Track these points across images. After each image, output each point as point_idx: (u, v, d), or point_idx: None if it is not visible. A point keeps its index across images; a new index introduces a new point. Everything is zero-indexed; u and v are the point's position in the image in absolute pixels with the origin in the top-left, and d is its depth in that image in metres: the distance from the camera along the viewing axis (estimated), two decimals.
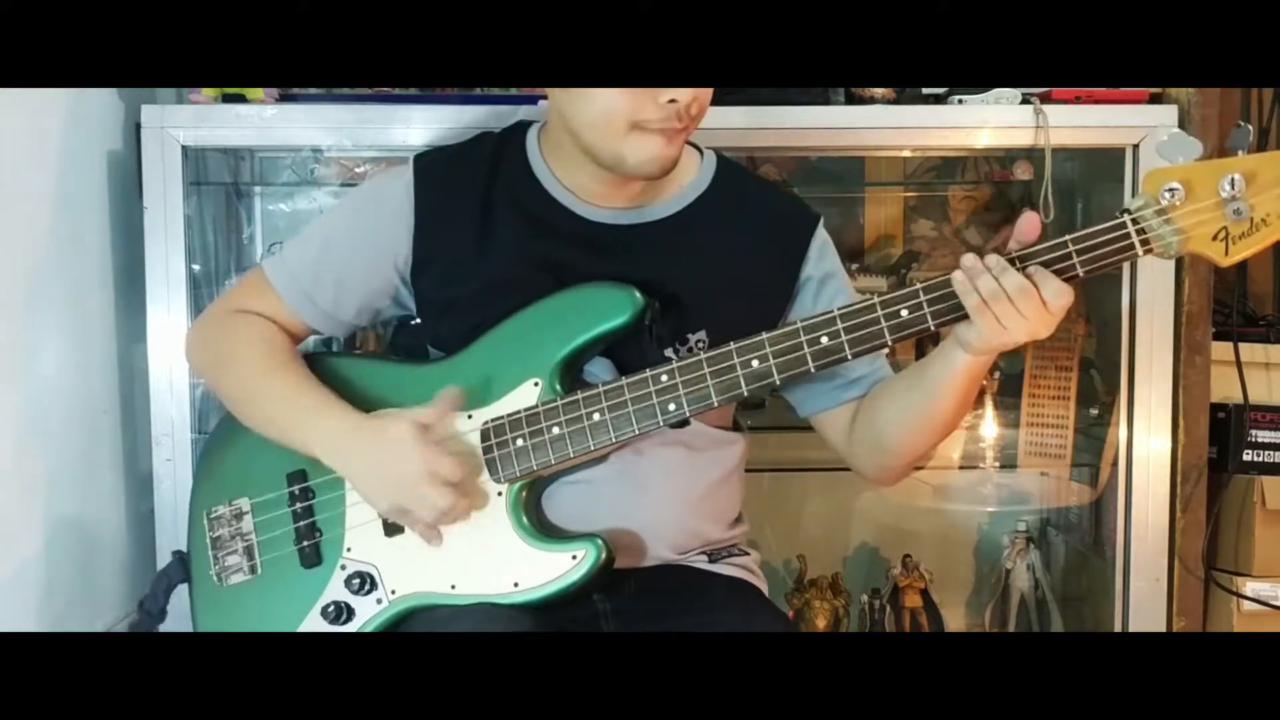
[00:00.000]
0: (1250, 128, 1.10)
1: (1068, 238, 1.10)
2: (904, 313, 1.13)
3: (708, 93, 1.21)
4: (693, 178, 1.32)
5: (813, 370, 1.16)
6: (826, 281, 1.33)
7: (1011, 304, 1.08)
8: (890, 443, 1.26)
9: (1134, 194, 1.66)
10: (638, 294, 1.22)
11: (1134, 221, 1.09)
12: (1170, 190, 1.08)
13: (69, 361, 1.52)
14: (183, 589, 1.34)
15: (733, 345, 1.17)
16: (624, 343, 1.24)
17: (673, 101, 1.16)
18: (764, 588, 1.36)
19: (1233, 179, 1.07)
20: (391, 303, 1.34)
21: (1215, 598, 1.77)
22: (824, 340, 1.15)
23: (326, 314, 1.32)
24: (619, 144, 1.19)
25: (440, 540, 1.21)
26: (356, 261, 1.30)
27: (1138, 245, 1.09)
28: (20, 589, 1.39)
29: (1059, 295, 1.08)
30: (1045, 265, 1.09)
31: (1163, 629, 1.72)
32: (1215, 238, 1.09)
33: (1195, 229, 1.09)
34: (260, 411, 1.27)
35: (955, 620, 2.07)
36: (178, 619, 1.36)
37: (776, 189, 1.42)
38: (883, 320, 1.13)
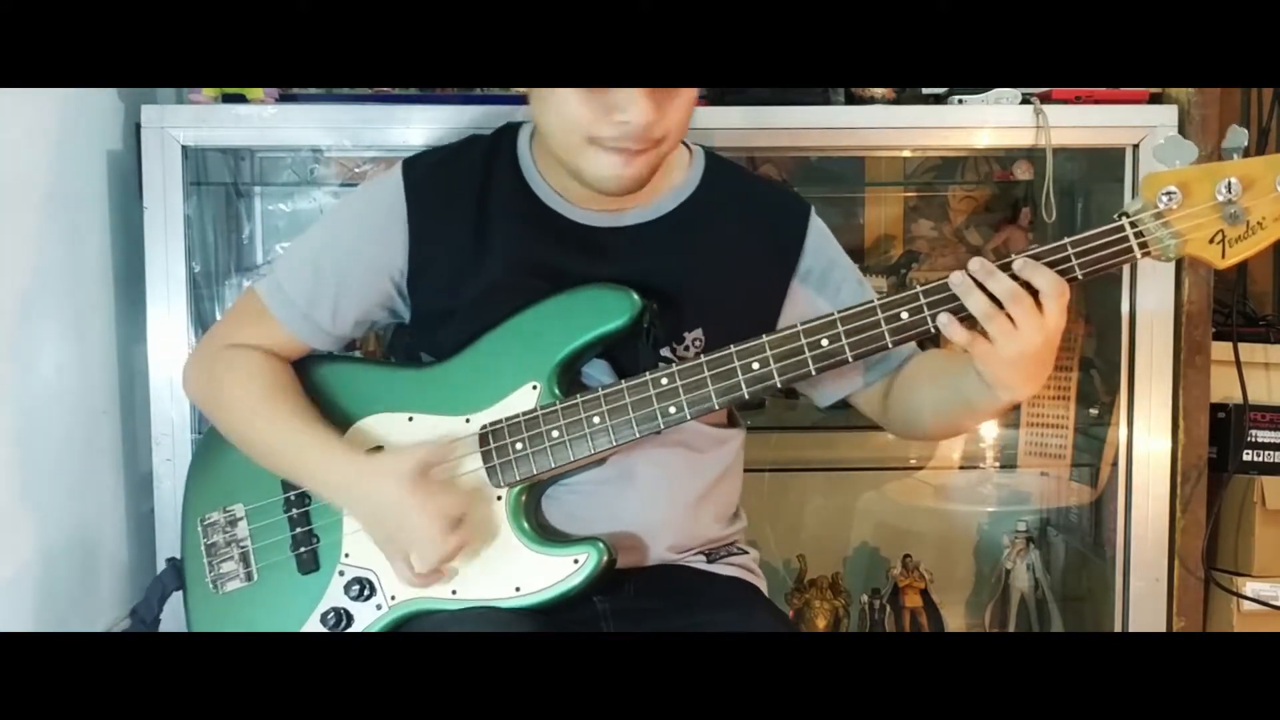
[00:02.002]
0: (1245, 131, 1.12)
1: (1066, 240, 1.11)
2: (904, 315, 1.13)
3: (677, 115, 1.18)
4: (683, 176, 1.31)
5: (813, 373, 1.16)
6: (830, 271, 1.32)
7: (1007, 311, 1.08)
8: (926, 429, 1.31)
9: (1134, 194, 1.67)
10: (635, 295, 1.21)
11: (1132, 225, 1.11)
12: (1167, 194, 1.09)
13: (69, 362, 1.52)
14: (177, 596, 1.33)
15: (733, 348, 1.17)
16: (621, 344, 1.23)
17: (625, 122, 1.14)
18: (763, 586, 1.36)
19: (1229, 183, 1.09)
20: (387, 313, 1.32)
21: (1215, 598, 1.77)
22: (824, 343, 1.15)
23: (325, 332, 1.29)
24: (577, 157, 1.18)
25: (443, 576, 1.19)
26: (352, 276, 1.28)
27: (1135, 248, 1.10)
28: (20, 589, 1.39)
29: (1054, 286, 1.08)
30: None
31: (1163, 629, 1.72)
32: (1212, 241, 1.10)
33: (1192, 232, 1.10)
34: (260, 454, 1.25)
35: (955, 620, 2.07)
36: (171, 627, 1.36)
37: (767, 183, 1.42)
38: (883, 323, 1.14)
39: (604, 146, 1.16)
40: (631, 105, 1.13)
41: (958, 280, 1.10)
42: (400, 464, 1.16)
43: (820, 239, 1.34)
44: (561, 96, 1.15)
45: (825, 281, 1.32)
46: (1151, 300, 1.70)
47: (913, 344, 1.31)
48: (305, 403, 1.26)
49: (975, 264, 1.10)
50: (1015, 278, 1.09)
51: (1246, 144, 1.11)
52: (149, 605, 1.33)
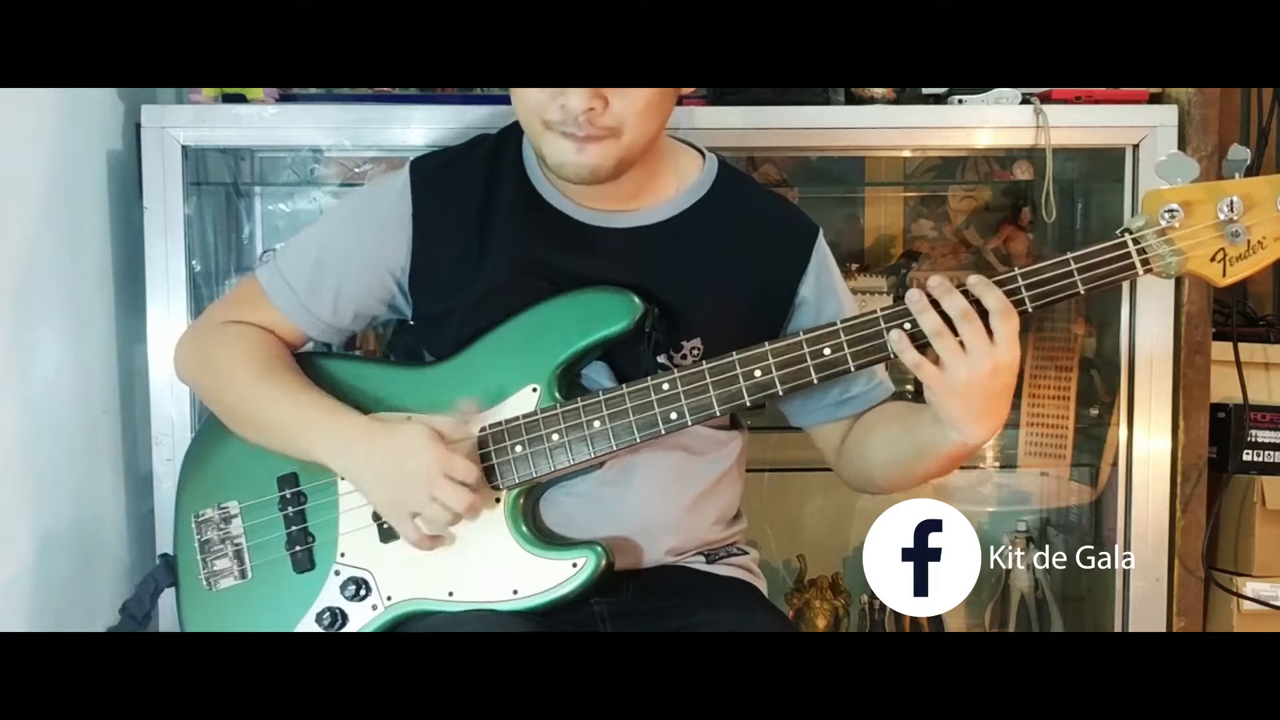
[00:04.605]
0: (1248, 150, 1.13)
1: (1069, 256, 1.12)
2: (906, 326, 1.13)
3: (630, 106, 1.16)
4: (692, 182, 1.31)
5: (815, 382, 1.16)
6: (823, 303, 1.31)
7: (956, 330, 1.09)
8: (876, 479, 1.28)
9: (1134, 194, 1.68)
10: (637, 299, 1.21)
11: (1135, 241, 1.12)
12: (1170, 212, 1.10)
13: (68, 361, 1.52)
14: (169, 593, 1.32)
15: (735, 355, 1.17)
16: (622, 347, 1.23)
17: (563, 106, 1.14)
18: (763, 586, 1.36)
19: (1231, 202, 1.10)
20: (388, 309, 1.32)
21: (1215, 598, 1.77)
22: (826, 352, 1.15)
23: (324, 323, 1.30)
24: (539, 141, 1.20)
25: (445, 542, 1.19)
26: (354, 270, 1.29)
27: (1138, 265, 1.11)
28: (19, 590, 1.39)
29: (1002, 305, 1.08)
30: (1047, 283, 1.11)
31: (1163, 629, 1.72)
32: (1213, 259, 1.12)
33: (1194, 250, 1.11)
34: (258, 421, 1.25)
35: (955, 620, 2.07)
36: (161, 625, 1.35)
37: (777, 199, 1.40)
38: (885, 334, 1.14)
39: (556, 131, 1.17)
40: (570, 89, 1.14)
41: (914, 297, 1.10)
42: (414, 421, 1.17)
43: (823, 264, 1.33)
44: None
45: (820, 312, 1.31)
46: (1151, 300, 1.69)
47: (885, 391, 1.31)
48: (301, 373, 1.26)
49: (934, 281, 1.10)
50: (967, 296, 1.09)
51: (1249, 162, 1.12)
52: (140, 601, 1.33)
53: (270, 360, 1.26)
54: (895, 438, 1.23)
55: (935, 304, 1.10)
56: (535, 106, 1.17)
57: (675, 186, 1.30)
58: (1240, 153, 1.12)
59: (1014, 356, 1.09)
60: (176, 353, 1.35)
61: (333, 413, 1.22)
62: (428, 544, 1.19)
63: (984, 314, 1.09)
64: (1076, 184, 1.94)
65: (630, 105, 1.16)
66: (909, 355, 1.11)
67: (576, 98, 1.14)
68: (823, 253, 1.33)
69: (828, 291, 1.32)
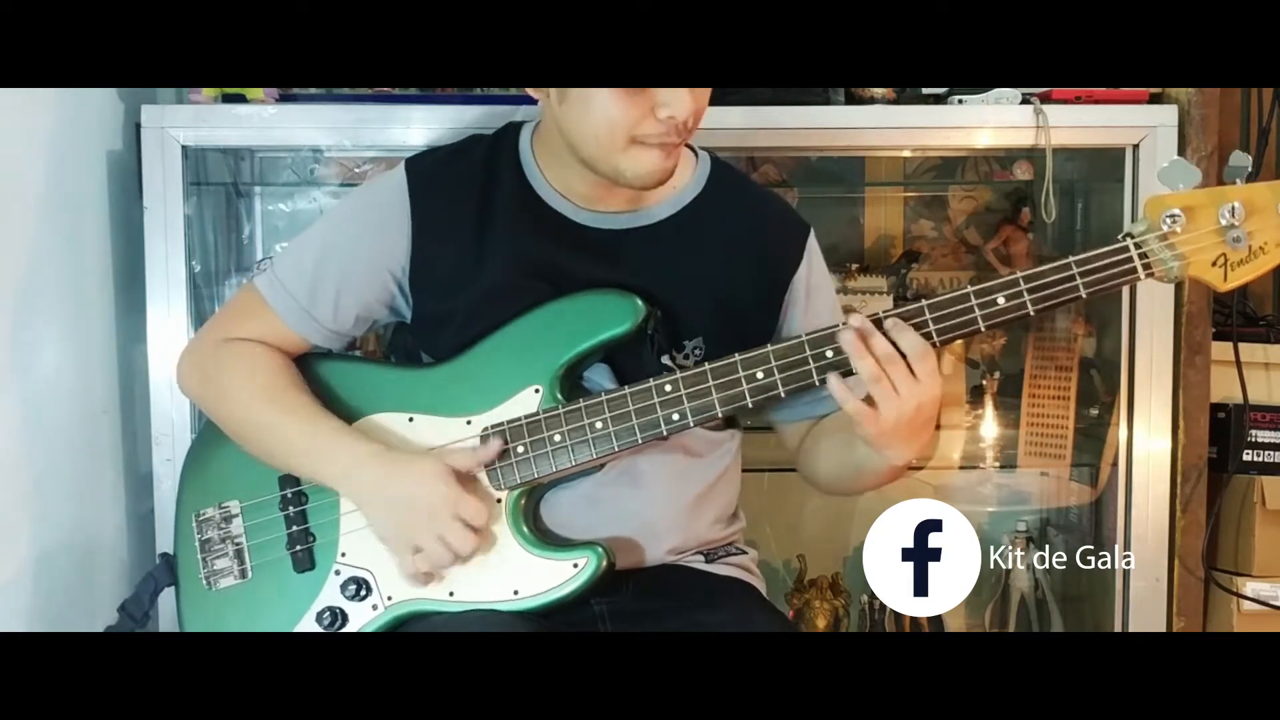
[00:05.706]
0: (1248, 156, 1.14)
1: (1071, 259, 1.12)
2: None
3: (705, 104, 1.20)
4: (687, 180, 1.31)
5: (818, 384, 1.16)
6: (813, 295, 1.33)
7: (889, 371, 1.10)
8: (822, 485, 1.33)
9: (1134, 194, 1.68)
10: (639, 301, 1.22)
11: (1136, 246, 1.12)
12: (1171, 217, 1.11)
13: (68, 361, 1.52)
14: (169, 593, 1.32)
15: (738, 357, 1.18)
16: (624, 349, 1.23)
17: (671, 117, 1.16)
18: (762, 586, 1.36)
19: (1233, 207, 1.11)
20: (388, 311, 1.32)
21: (1215, 598, 1.77)
22: (829, 354, 1.15)
23: (326, 329, 1.29)
24: (617, 158, 1.19)
25: (441, 579, 1.20)
26: (354, 272, 1.28)
27: (1140, 269, 1.12)
28: (19, 589, 1.39)
29: (917, 348, 1.10)
30: (1049, 286, 1.12)
31: (1163, 629, 1.72)
32: (1214, 264, 1.12)
33: (1195, 255, 1.12)
34: (264, 444, 1.25)
35: (955, 620, 2.07)
36: (160, 624, 1.35)
37: (769, 195, 1.41)
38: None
39: (647, 144, 1.18)
40: (676, 101, 1.15)
41: (848, 340, 1.11)
42: (432, 457, 1.17)
43: (814, 261, 1.34)
44: (600, 99, 1.15)
45: (809, 308, 1.32)
46: (1151, 300, 1.69)
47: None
48: (310, 395, 1.25)
49: (856, 320, 1.12)
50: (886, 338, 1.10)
51: (1250, 169, 1.13)
52: (139, 601, 1.33)
53: (274, 379, 1.25)
54: (838, 451, 1.26)
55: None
56: (625, 124, 1.16)
57: (671, 185, 1.29)
58: (1242, 159, 1.13)
59: (936, 392, 1.11)
60: (178, 370, 1.34)
61: (340, 436, 1.21)
62: (423, 579, 1.19)
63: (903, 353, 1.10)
64: (1076, 184, 1.94)
65: (704, 102, 1.20)
66: (845, 396, 1.12)
67: (682, 108, 1.15)
68: (814, 250, 1.35)
69: (817, 289, 1.34)
